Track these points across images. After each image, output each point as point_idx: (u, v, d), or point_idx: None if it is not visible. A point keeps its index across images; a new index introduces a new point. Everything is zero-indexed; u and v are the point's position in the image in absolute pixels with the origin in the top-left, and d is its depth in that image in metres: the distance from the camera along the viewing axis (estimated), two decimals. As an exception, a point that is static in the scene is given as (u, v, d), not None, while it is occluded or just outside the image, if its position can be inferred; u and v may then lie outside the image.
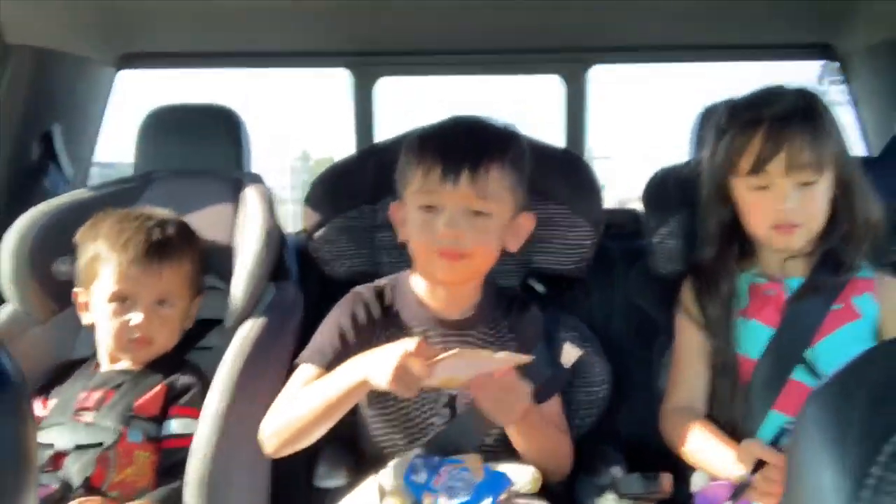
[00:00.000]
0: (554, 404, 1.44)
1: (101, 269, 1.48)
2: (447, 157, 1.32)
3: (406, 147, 1.40)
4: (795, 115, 1.36)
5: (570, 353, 1.45)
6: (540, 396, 1.40)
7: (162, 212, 1.59)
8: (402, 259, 1.64)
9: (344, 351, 1.34)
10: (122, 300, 1.47)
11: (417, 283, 1.43)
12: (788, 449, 0.58)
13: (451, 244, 1.32)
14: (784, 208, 1.37)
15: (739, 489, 1.15)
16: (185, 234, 1.57)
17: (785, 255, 1.44)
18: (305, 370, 1.35)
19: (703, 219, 1.51)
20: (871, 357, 0.55)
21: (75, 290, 1.55)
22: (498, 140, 1.37)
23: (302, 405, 1.27)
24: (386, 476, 1.28)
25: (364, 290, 1.45)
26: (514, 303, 1.49)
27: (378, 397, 1.37)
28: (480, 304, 1.44)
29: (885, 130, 1.92)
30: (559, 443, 1.42)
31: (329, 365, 1.32)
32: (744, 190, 1.42)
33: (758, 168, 1.37)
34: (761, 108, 1.39)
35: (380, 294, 1.44)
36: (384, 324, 1.41)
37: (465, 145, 1.34)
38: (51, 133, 2.01)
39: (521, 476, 1.31)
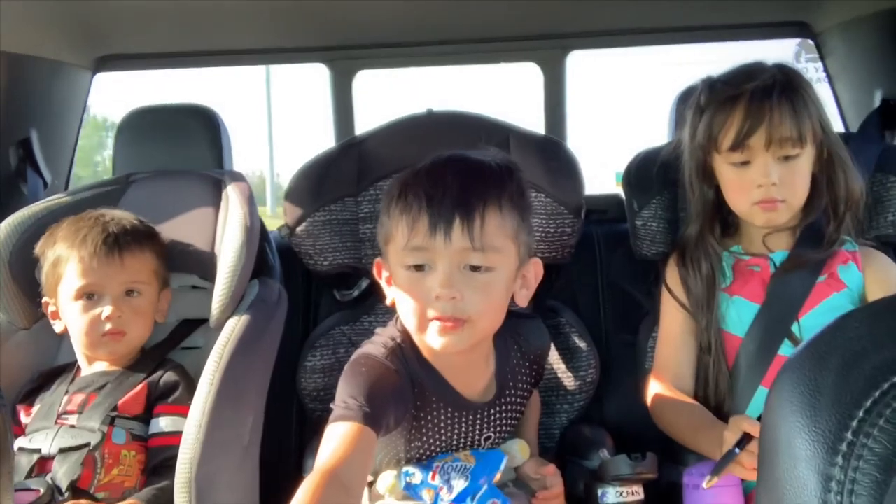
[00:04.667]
0: None
1: (64, 269, 1.48)
2: (434, 206, 1.13)
3: (386, 194, 1.23)
4: (774, 88, 1.36)
5: None
6: None
7: (116, 211, 1.59)
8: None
9: (381, 399, 1.13)
10: (90, 295, 1.47)
11: (428, 357, 1.24)
12: (763, 419, 0.58)
13: (447, 309, 1.13)
14: (766, 183, 1.37)
15: (723, 462, 1.16)
16: (143, 227, 1.56)
17: (768, 230, 1.45)
18: (336, 430, 1.09)
19: (688, 198, 1.52)
20: (843, 324, 0.56)
21: (44, 300, 1.53)
22: (492, 177, 1.18)
23: None
24: (381, 481, 1.27)
25: (376, 354, 1.21)
26: (519, 325, 1.36)
27: (417, 444, 1.27)
28: (498, 376, 1.30)
29: (861, 106, 1.93)
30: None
31: (366, 417, 1.09)
32: (725, 167, 1.42)
33: (738, 143, 1.37)
34: (740, 84, 1.39)
35: (395, 356, 1.22)
36: (414, 402, 1.23)
37: (454, 189, 1.14)
38: (29, 139, 2.00)
39: (512, 450, 1.32)
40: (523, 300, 1.24)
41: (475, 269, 1.15)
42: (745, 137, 1.36)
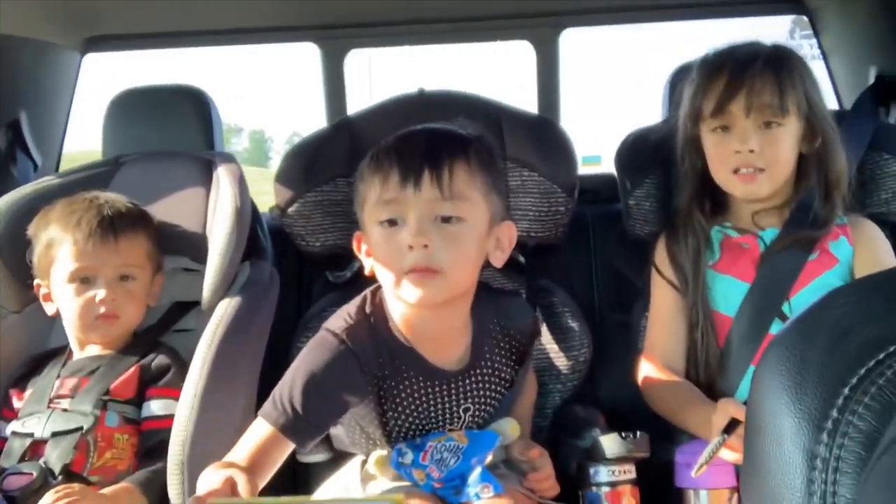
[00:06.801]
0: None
1: (58, 252, 1.47)
2: (405, 159, 1.19)
3: (361, 166, 1.27)
4: (758, 59, 1.38)
5: None
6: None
7: (110, 194, 1.58)
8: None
9: (319, 397, 1.19)
10: (83, 279, 1.46)
11: (402, 323, 1.26)
12: (749, 396, 0.58)
13: (420, 258, 1.16)
14: (744, 149, 1.37)
15: (712, 449, 1.16)
16: (137, 210, 1.56)
17: (753, 206, 1.45)
18: (259, 426, 1.17)
19: (679, 172, 1.51)
20: (830, 301, 0.55)
21: (36, 282, 1.53)
22: (460, 138, 1.24)
23: None
24: (372, 462, 1.27)
25: (335, 330, 1.23)
26: (501, 300, 1.38)
27: (395, 420, 1.27)
28: (473, 345, 1.30)
29: (856, 83, 1.92)
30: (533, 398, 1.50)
31: (285, 428, 1.16)
32: (708, 135, 1.43)
33: (719, 108, 1.39)
34: (727, 55, 1.42)
35: (360, 328, 1.24)
36: (381, 372, 1.24)
37: (423, 145, 1.22)
38: (18, 121, 1.98)
39: (503, 428, 1.32)
40: (499, 262, 1.28)
41: (446, 220, 1.18)
42: (725, 102, 1.37)
